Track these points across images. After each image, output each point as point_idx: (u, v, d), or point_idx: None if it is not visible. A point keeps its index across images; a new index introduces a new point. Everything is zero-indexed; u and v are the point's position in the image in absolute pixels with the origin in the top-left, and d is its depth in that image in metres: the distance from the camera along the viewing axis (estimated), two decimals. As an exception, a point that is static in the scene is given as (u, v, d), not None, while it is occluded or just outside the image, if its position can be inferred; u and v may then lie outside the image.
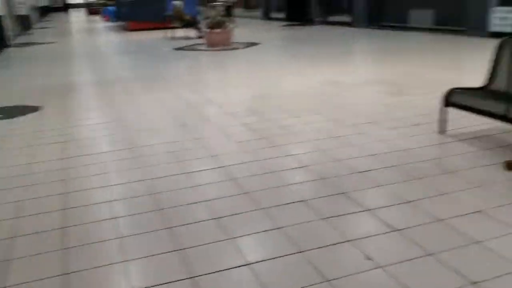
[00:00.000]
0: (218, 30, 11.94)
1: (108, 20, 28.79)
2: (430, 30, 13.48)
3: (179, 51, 11.88)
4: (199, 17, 15.53)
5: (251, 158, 3.92)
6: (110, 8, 28.80)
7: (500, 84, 4.26)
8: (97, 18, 34.32)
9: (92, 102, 6.39)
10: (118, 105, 6.10)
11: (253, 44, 12.65)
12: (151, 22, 19.13)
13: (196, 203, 3.09)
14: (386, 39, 12.60)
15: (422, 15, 13.91)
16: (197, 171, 3.69)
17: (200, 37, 14.71)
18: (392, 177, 3.38)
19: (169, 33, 15.96)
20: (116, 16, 23.14)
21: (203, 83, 7.39)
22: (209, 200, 3.12)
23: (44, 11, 41.06)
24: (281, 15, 22.35)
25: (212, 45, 12.08)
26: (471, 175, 3.34)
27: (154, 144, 4.41)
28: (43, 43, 15.86)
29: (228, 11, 18.06)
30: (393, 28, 15.02)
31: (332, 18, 18.48)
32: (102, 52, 12.60)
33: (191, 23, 14.89)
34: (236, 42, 12.78)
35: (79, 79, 8.32)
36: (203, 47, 12.28)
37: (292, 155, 3.95)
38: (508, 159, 3.55)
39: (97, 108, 6.02)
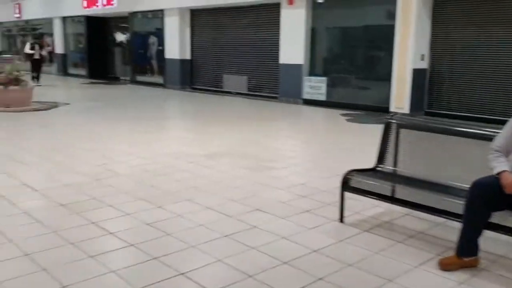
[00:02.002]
0: (14, 88, 9.87)
1: None
2: (244, 95, 13.73)
3: (-40, 112, 9.39)
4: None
5: None
6: None
7: (389, 164, 3.98)
8: None
9: None
10: None
11: (59, 104, 10.85)
12: None
13: None
14: (207, 103, 12.30)
15: (236, 81, 14.14)
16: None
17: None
18: (332, 298, 2.60)
19: None
20: None
21: (4, 159, 5.61)
22: None
23: None
24: (81, 71, 20.54)
25: (6, 105, 9.90)
26: (416, 283, 2.79)
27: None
28: None
29: (37, 66, 15.64)
30: (206, 91, 14.94)
31: (141, 78, 17.60)
32: None
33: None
34: (37, 102, 10.79)
35: None
36: (-7, 107, 9.98)
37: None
38: (434, 254, 3.14)
39: None
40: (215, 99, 13.14)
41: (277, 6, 12.31)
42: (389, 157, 3.97)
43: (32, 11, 22.70)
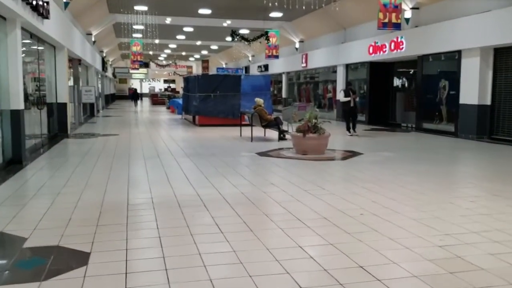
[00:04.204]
0: (313, 135, 9.74)
1: (173, 112, 27.95)
2: None
3: (264, 158, 9.67)
4: (280, 117, 13.57)
5: None
6: (177, 100, 28.10)
7: None
8: (162, 108, 33.86)
9: (151, 258, 4.00)
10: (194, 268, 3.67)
11: (352, 153, 10.30)
12: (222, 118, 17.51)
13: None
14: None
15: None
16: None
17: (281, 140, 12.62)
18: None
19: (243, 132, 14.07)
20: (184, 109, 21.91)
21: (321, 222, 4.91)
22: None
23: (110, 99, 41.68)
24: (360, 117, 20.30)
25: (303, 152, 9.85)
26: None
27: None
28: (105, 135, 14.31)
29: (352, 114, 14.27)
30: (510, 142, 12.42)
31: (427, 125, 16.06)
32: (169, 152, 10.62)
33: (272, 124, 12.89)
34: (331, 150, 10.50)
35: (137, 197, 6.09)
36: (290, 154, 10.05)
37: None
38: None
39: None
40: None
41: None
42: None
43: (317, 60, 24.01)
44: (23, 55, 9.55)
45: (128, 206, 5.58)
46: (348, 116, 14.54)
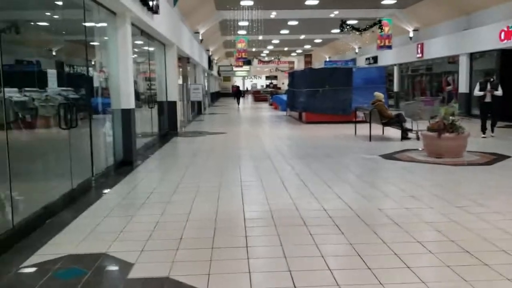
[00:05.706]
0: (450, 135, 8.27)
1: (276, 108, 27.30)
2: None
3: (391, 161, 8.40)
4: (402, 114, 12.05)
5: None
6: (281, 96, 27.41)
7: None
8: (264, 105, 33.45)
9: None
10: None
11: (496, 156, 8.63)
12: (332, 115, 16.37)
13: None
14: None
15: None
16: None
17: (404, 139, 11.18)
18: None
19: (356, 129, 12.81)
20: (288, 106, 21.09)
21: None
22: None
23: (215, 97, 42.35)
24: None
25: (437, 154, 8.42)
26: None
27: None
28: (212, 133, 13.91)
29: (488, 111, 11.74)
30: None
31: None
32: (279, 152, 9.75)
33: (393, 121, 11.48)
34: (472, 152, 8.92)
35: (254, 210, 5.25)
36: (421, 157, 8.66)
37: None
38: None
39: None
40: None
41: None
42: None
43: (435, 50, 21.76)
44: (135, 55, 9.28)
45: (245, 221, 4.76)
46: (483, 114, 12.06)
